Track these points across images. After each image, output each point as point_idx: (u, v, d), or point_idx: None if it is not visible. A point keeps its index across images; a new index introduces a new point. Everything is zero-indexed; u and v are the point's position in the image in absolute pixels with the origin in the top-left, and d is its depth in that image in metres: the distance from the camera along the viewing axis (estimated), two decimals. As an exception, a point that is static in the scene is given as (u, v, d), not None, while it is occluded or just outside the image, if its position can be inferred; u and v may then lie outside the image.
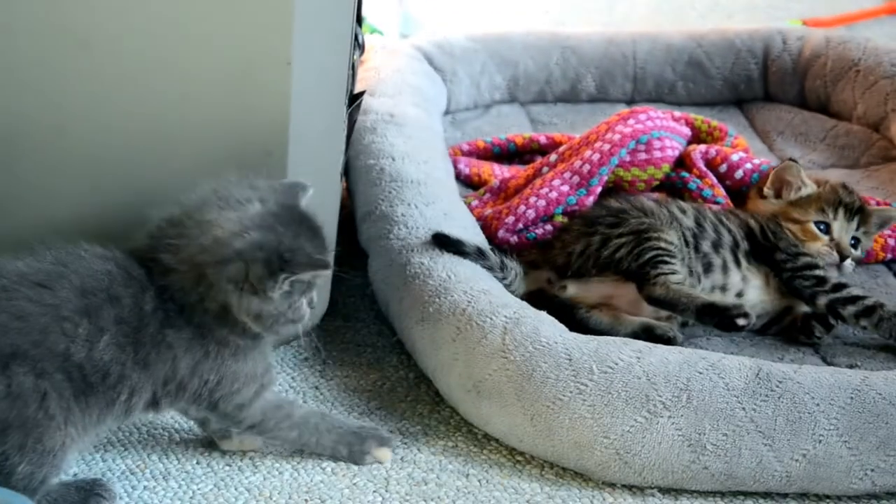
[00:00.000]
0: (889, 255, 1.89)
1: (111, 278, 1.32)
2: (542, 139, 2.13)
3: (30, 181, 1.48)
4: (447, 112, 2.28)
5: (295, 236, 1.32)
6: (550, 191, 1.85)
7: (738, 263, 1.72)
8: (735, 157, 1.92)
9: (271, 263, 1.29)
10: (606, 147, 1.87)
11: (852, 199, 1.81)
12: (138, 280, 1.33)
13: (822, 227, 1.78)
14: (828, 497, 1.47)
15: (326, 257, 1.35)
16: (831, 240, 1.78)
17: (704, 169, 1.90)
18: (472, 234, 1.75)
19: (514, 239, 1.84)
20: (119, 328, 1.30)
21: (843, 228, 1.79)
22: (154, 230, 1.35)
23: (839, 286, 1.70)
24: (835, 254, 1.76)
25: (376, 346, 1.70)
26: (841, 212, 1.79)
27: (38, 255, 1.33)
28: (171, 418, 1.50)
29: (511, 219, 1.84)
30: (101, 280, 1.31)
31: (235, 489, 1.43)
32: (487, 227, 1.85)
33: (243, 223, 1.31)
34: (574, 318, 1.65)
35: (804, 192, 1.82)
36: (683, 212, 1.75)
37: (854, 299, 1.68)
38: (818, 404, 1.45)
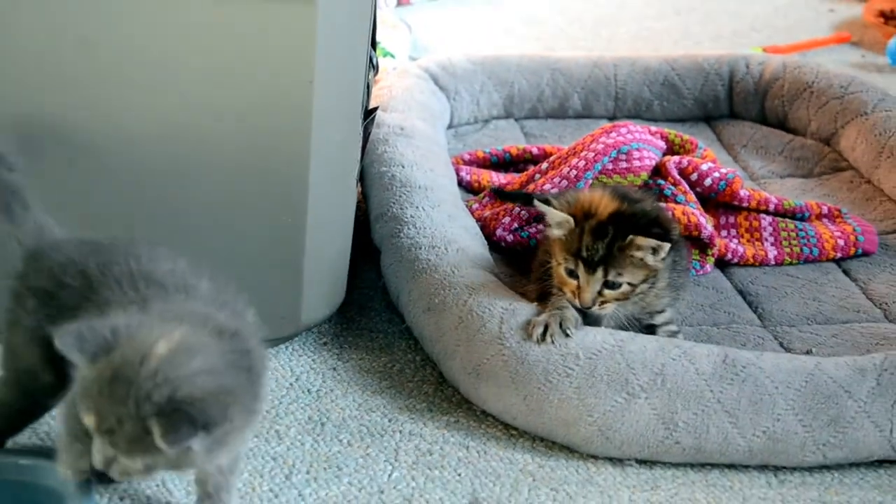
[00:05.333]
0: (839, 254, 1.87)
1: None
2: (535, 150, 2.12)
3: (57, 194, 1.44)
4: (450, 126, 2.27)
5: None
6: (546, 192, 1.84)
7: None
8: (704, 167, 1.90)
9: None
10: (591, 155, 1.87)
11: (591, 253, 1.46)
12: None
13: (569, 272, 1.49)
14: (785, 468, 1.46)
15: None
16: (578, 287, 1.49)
17: (678, 177, 1.88)
18: (473, 234, 1.74)
19: (510, 237, 1.83)
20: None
21: (587, 280, 1.47)
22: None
23: None
24: (576, 301, 1.49)
25: (387, 333, 1.68)
26: (581, 264, 1.47)
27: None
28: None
29: (507, 219, 1.83)
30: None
31: (262, 458, 1.42)
32: (486, 226, 1.84)
33: None
34: None
35: (556, 232, 1.51)
36: None
37: None
38: (777, 387, 1.43)
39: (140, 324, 1.13)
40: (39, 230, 1.30)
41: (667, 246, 1.46)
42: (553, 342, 1.45)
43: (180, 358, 1.10)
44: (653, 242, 1.46)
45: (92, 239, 1.28)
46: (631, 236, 1.45)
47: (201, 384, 1.09)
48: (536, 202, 1.53)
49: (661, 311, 1.56)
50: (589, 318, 1.52)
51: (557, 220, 1.50)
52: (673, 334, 1.56)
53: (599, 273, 1.46)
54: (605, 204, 1.49)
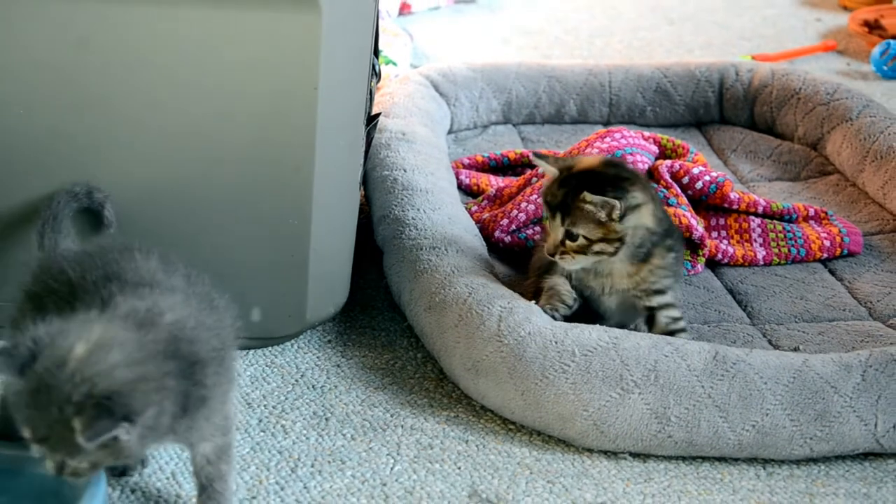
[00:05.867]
0: (825, 255, 1.87)
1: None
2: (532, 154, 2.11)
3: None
4: (450, 131, 2.26)
5: None
6: (538, 197, 1.83)
7: None
8: (695, 171, 1.90)
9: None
10: (586, 160, 1.86)
11: (554, 199, 1.49)
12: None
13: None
14: (773, 461, 1.45)
15: None
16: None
17: (670, 180, 1.88)
18: (472, 235, 1.73)
19: (507, 238, 1.82)
20: None
21: (551, 226, 1.51)
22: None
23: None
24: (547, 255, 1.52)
25: (389, 331, 1.68)
26: (548, 210, 1.51)
27: None
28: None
29: (505, 221, 1.83)
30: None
31: (269, 452, 1.41)
32: (485, 228, 1.83)
33: None
34: None
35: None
36: None
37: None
38: (766, 383, 1.43)
39: (59, 330, 1.12)
40: (54, 247, 1.34)
41: (615, 203, 1.46)
42: (556, 315, 1.51)
43: (97, 355, 1.09)
44: (598, 199, 1.46)
45: (85, 248, 1.30)
46: (584, 192, 1.47)
47: (119, 377, 1.08)
48: (532, 156, 1.57)
49: (661, 292, 1.55)
50: (589, 301, 1.54)
51: (547, 172, 1.53)
52: (674, 320, 1.55)
53: (559, 220, 1.49)
54: (587, 162, 1.52)
